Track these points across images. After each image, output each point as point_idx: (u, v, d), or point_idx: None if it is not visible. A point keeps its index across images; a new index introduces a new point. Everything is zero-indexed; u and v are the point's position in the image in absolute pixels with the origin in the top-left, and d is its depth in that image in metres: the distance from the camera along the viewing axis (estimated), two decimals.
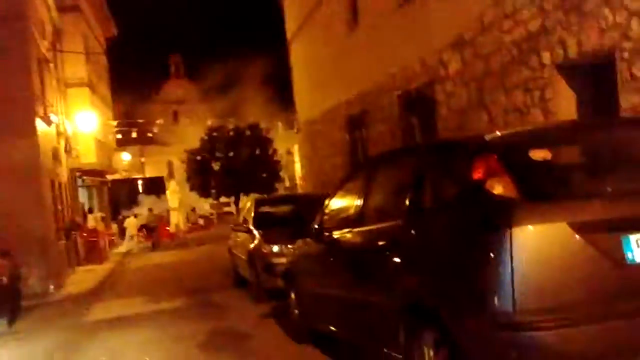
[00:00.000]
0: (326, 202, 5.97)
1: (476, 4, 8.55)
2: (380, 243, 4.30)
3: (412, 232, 3.98)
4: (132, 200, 36.24)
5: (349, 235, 5.06)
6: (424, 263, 3.75)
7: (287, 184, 42.11)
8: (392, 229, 4.21)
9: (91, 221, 22.90)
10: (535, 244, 3.12)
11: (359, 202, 5.00)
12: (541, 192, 3.32)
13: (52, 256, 13.82)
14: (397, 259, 4.05)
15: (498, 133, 3.84)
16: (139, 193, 36.89)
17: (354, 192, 5.22)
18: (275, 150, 38.30)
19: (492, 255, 3.13)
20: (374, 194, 4.88)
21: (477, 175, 3.41)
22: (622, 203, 3.27)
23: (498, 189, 3.29)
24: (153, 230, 26.86)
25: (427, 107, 10.36)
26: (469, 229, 3.37)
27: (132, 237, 25.52)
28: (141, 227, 27.07)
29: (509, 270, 3.07)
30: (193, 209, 42.46)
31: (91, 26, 26.03)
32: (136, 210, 32.03)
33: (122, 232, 28.29)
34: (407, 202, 4.08)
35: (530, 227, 3.13)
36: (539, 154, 3.45)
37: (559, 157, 3.66)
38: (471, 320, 3.25)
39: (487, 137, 3.69)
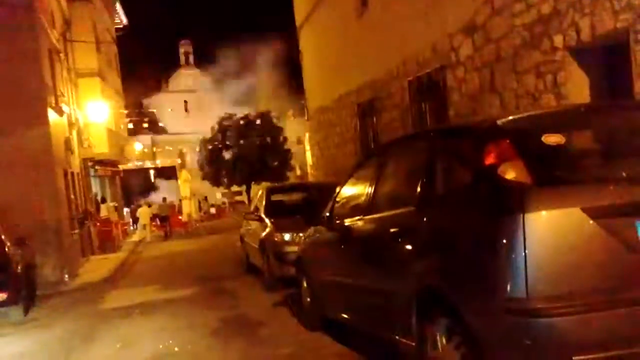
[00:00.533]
0: (337, 189, 5.96)
1: None
2: (392, 230, 4.28)
3: (424, 218, 3.95)
4: (144, 189, 36.44)
5: (360, 223, 5.04)
6: (437, 249, 3.72)
7: (298, 172, 42.12)
8: (404, 215, 4.19)
9: (104, 211, 23.08)
10: (549, 230, 3.09)
11: (370, 189, 4.98)
12: (554, 176, 3.27)
13: (66, 245, 13.94)
14: (409, 246, 4.03)
15: (510, 117, 3.79)
16: (153, 180, 37.08)
17: (366, 180, 5.20)
18: (285, 139, 38.28)
19: (504, 241, 3.10)
20: (385, 181, 4.86)
21: (489, 160, 3.37)
22: (636, 187, 3.21)
23: (510, 174, 3.25)
24: (165, 220, 27.01)
25: (438, 93, 10.29)
26: (481, 214, 3.34)
27: (144, 226, 25.67)
28: (154, 217, 27.22)
29: (522, 256, 3.04)
30: (205, 198, 42.65)
31: (101, 16, 26.06)
32: (150, 198, 32.24)
33: (134, 221, 28.49)
34: (419, 189, 4.06)
35: (543, 212, 3.09)
36: (551, 138, 3.40)
37: (572, 141, 3.61)
38: (484, 306, 3.22)
39: (499, 121, 3.65)
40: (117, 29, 30.20)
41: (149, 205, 28.02)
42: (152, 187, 38.63)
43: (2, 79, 13.00)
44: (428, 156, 4.15)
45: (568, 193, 3.18)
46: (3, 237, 9.66)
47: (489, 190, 3.34)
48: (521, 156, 3.30)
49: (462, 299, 3.38)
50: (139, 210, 26.86)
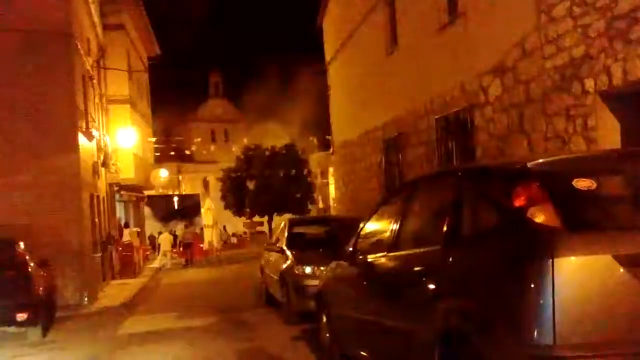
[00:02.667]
0: (361, 225, 5.92)
1: (518, 29, 8.47)
2: (417, 269, 4.23)
3: (450, 258, 3.90)
4: (167, 216, 36.67)
5: (384, 260, 4.99)
6: (462, 291, 3.66)
7: (321, 205, 42.10)
8: (429, 254, 4.14)
9: (127, 236, 23.23)
10: (578, 276, 3.02)
11: (395, 226, 4.94)
12: (585, 222, 3.21)
13: (87, 269, 14.04)
14: (433, 286, 3.97)
15: (540, 160, 3.75)
16: (177, 208, 37.33)
17: (391, 216, 5.17)
18: (309, 171, 38.39)
19: (532, 286, 3.04)
20: (410, 219, 4.82)
21: (519, 202, 3.33)
22: None
23: (540, 218, 3.20)
24: (187, 247, 27.06)
25: (466, 132, 10.26)
26: (509, 258, 3.28)
27: (165, 252, 25.75)
28: (176, 244, 27.30)
29: (550, 302, 2.97)
30: (224, 228, 42.70)
31: (135, 44, 26.68)
32: (172, 226, 32.40)
33: (154, 247, 28.57)
34: (445, 228, 4.01)
35: (573, 258, 3.03)
36: (582, 183, 3.35)
37: (603, 186, 3.54)
38: (509, 351, 3.14)
39: (530, 163, 3.60)
40: (149, 58, 30.86)
41: (172, 232, 28.11)
42: (175, 214, 38.89)
43: (36, 102, 13.33)
44: (455, 195, 4.12)
45: (599, 239, 3.11)
46: (27, 257, 9.76)
47: (517, 233, 3.29)
48: (551, 200, 3.25)
49: (487, 343, 3.30)
50: (161, 237, 26.97)
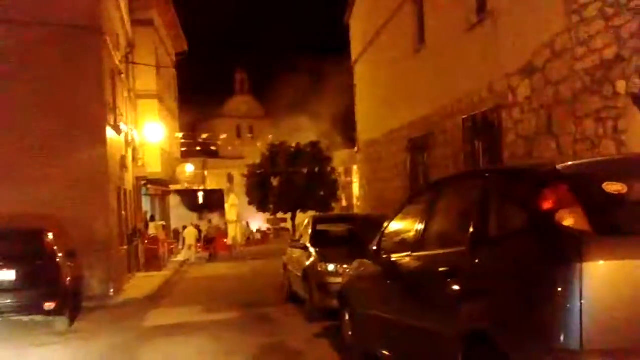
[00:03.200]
0: (386, 224, 5.92)
1: (548, 29, 8.36)
2: (442, 269, 4.21)
3: (476, 260, 3.88)
4: (192, 211, 37.00)
5: (408, 259, 4.98)
6: (487, 292, 3.64)
7: (344, 203, 42.09)
8: (455, 255, 4.12)
9: (152, 229, 23.51)
10: (607, 281, 2.99)
11: (420, 226, 4.93)
12: (614, 226, 3.18)
13: (114, 261, 14.24)
14: (458, 287, 3.95)
15: (570, 162, 3.71)
16: (201, 202, 37.64)
17: (416, 216, 5.15)
18: (333, 169, 38.39)
19: (560, 290, 3.01)
20: (436, 219, 4.80)
21: (547, 205, 3.30)
22: None
23: (569, 221, 3.17)
24: (211, 242, 27.29)
25: (493, 133, 10.18)
26: (536, 261, 3.26)
27: (190, 247, 26.00)
28: (201, 238, 27.58)
29: (578, 306, 2.95)
30: (247, 224, 42.96)
31: (163, 40, 26.94)
32: (196, 220, 32.68)
33: (178, 240, 28.85)
34: (471, 229, 3.99)
35: (602, 262, 3.00)
36: (613, 187, 3.31)
37: (633, 190, 3.49)
38: (535, 355, 3.12)
39: (559, 166, 3.57)
40: (177, 53, 31.14)
41: (197, 227, 28.39)
42: (199, 209, 39.24)
43: (66, 96, 13.55)
44: (482, 197, 4.09)
45: (628, 244, 3.08)
46: (55, 248, 9.94)
47: (545, 236, 3.26)
48: (580, 203, 3.22)
49: (512, 346, 3.28)
50: (185, 231, 27.25)
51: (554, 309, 3.02)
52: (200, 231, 28.62)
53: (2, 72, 13.16)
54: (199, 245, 27.28)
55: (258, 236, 42.59)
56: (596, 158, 4.84)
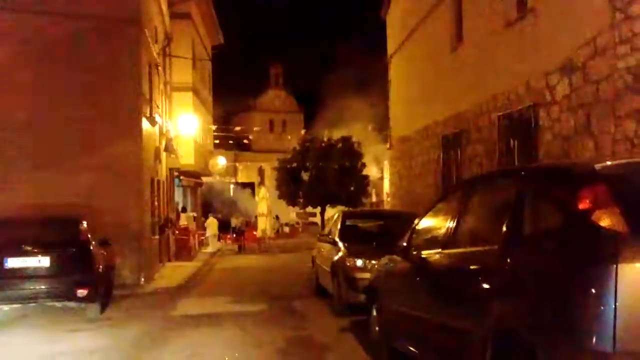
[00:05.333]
0: (417, 220, 5.87)
1: (590, 26, 8.16)
2: (473, 267, 4.16)
3: (508, 259, 3.81)
4: (223, 203, 37.36)
5: (438, 257, 4.93)
6: (520, 292, 3.58)
7: (374, 199, 41.93)
8: (486, 254, 4.06)
9: (183, 220, 23.80)
10: None
11: (452, 223, 4.87)
12: None
13: (145, 250, 14.45)
14: (489, 285, 3.90)
15: (608, 162, 3.63)
16: (232, 195, 38.01)
17: (447, 213, 5.10)
18: (364, 165, 38.26)
19: (594, 290, 2.95)
20: (468, 217, 4.74)
21: (584, 205, 3.23)
22: None
23: (605, 222, 3.10)
24: (240, 234, 27.51)
25: (529, 131, 9.99)
26: (571, 260, 3.20)
27: (214, 236, 26.30)
28: (230, 229, 27.88)
29: (612, 308, 2.89)
30: (276, 217, 43.12)
31: (200, 33, 27.17)
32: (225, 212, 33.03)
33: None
34: (504, 228, 3.93)
35: (638, 264, 2.93)
36: None
37: None
38: (566, 356, 3.06)
39: (597, 165, 3.50)
40: (213, 47, 31.37)
41: (218, 218, 28.66)
42: (230, 201, 39.57)
43: (103, 87, 13.77)
44: (517, 195, 4.02)
45: None
46: (89, 236, 10.12)
47: (581, 236, 3.20)
48: (618, 203, 3.16)
49: (543, 346, 3.23)
50: (207, 221, 27.56)
51: (588, 309, 2.97)
52: (223, 221, 28.95)
53: (44, 63, 13.43)
54: (228, 237, 27.55)
55: (287, 230, 42.74)
56: (635, 158, 4.71)
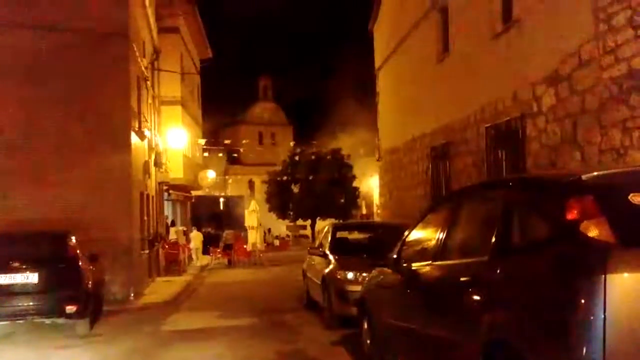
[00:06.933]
0: (406, 232, 5.88)
1: (575, 38, 8.26)
2: (463, 279, 4.17)
3: (498, 270, 3.82)
4: (213, 217, 37.22)
5: (429, 268, 4.94)
6: (510, 303, 3.58)
7: (364, 211, 42.00)
8: (476, 265, 4.07)
9: (173, 234, 23.67)
10: (632, 294, 2.92)
11: (441, 235, 4.88)
12: None
13: (135, 265, 14.34)
14: (479, 297, 3.90)
15: (595, 173, 3.65)
16: (222, 208, 37.89)
17: (437, 225, 5.11)
18: (354, 177, 38.36)
19: (583, 302, 2.95)
20: (457, 228, 4.75)
21: (571, 215, 3.25)
22: None
23: (593, 232, 3.11)
24: (230, 248, 27.38)
25: (516, 142, 10.06)
26: (559, 272, 3.20)
27: (197, 249, 26.24)
28: (217, 245, 27.77)
29: (601, 319, 2.89)
30: (269, 230, 43.03)
31: (188, 47, 27.22)
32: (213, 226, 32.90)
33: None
34: (493, 239, 3.94)
35: (626, 274, 2.94)
36: (639, 198, 3.25)
37: None
38: None
39: (584, 176, 3.51)
40: (201, 60, 31.41)
41: (208, 232, 28.52)
42: (220, 215, 39.46)
43: (91, 101, 13.72)
44: (505, 206, 4.04)
45: None
46: (78, 252, 10.04)
47: (569, 247, 3.21)
48: (605, 214, 3.17)
49: (534, 356, 3.22)
50: (191, 234, 27.43)
51: (577, 321, 2.97)
52: (210, 235, 28.85)
53: (31, 77, 13.38)
54: (218, 251, 27.42)
55: (277, 242, 42.64)
56: (622, 169, 4.75)
